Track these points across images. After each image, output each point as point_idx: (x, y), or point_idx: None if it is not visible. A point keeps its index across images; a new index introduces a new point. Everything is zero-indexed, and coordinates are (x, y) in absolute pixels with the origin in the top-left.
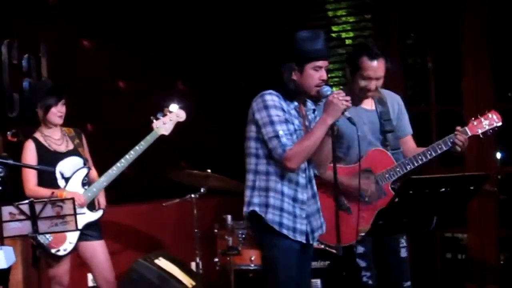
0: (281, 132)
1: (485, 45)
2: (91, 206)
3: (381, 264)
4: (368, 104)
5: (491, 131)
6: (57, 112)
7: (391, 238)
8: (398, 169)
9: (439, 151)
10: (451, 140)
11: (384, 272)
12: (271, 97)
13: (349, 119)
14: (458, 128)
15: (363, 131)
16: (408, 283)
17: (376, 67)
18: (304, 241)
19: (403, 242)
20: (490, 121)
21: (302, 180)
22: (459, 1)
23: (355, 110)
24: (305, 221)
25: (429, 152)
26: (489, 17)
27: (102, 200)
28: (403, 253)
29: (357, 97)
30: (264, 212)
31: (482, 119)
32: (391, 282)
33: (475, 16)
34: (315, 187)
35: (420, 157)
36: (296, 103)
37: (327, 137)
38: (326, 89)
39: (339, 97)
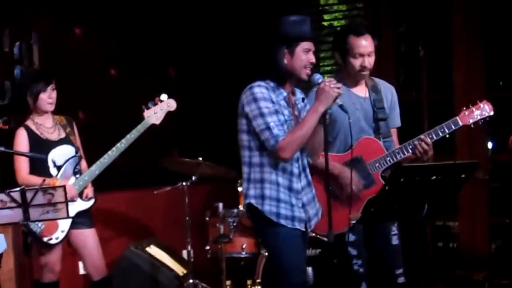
0: (272, 124)
1: (477, 33)
2: (83, 195)
3: (373, 252)
4: (362, 91)
5: (482, 121)
6: (47, 99)
7: (382, 226)
8: (388, 158)
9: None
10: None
11: (376, 259)
12: (260, 89)
13: (341, 106)
14: (422, 136)
15: (356, 117)
16: (400, 271)
17: (365, 42)
18: (303, 229)
19: (394, 230)
20: (482, 111)
21: (295, 169)
22: None
23: (348, 96)
24: (302, 209)
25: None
26: (479, 6)
27: (88, 191)
28: (395, 240)
29: (353, 80)
30: (261, 204)
31: (474, 109)
32: (383, 269)
33: (466, 4)
34: (309, 176)
35: (410, 146)
36: (285, 94)
37: (319, 125)
38: (318, 77)
39: (330, 85)
